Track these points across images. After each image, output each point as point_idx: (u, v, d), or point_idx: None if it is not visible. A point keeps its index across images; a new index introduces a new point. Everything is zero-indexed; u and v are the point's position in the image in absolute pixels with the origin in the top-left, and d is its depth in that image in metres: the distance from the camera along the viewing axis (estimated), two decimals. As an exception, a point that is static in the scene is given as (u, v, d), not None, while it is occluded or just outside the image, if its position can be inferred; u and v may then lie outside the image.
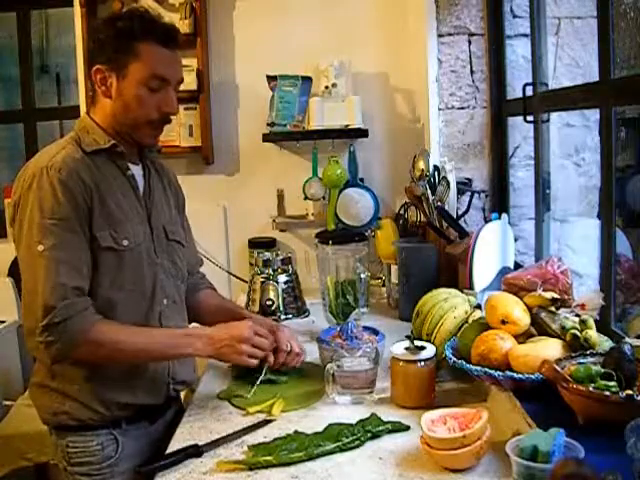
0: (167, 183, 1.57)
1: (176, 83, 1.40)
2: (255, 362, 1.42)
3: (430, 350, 1.39)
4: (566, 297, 1.38)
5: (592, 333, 1.23)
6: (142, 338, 1.35)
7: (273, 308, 2.07)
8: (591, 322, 1.26)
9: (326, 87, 2.43)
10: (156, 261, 1.43)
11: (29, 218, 1.28)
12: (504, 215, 1.83)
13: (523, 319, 1.33)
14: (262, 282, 2.14)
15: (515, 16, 2.21)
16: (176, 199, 1.60)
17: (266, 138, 2.48)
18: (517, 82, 2.16)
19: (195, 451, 1.20)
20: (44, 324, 1.23)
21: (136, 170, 1.44)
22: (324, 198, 2.52)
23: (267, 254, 2.23)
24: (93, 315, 1.28)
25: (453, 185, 2.13)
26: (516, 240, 1.99)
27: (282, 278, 2.15)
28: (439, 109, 2.32)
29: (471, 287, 1.72)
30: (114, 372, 1.37)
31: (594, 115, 2.00)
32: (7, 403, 2.47)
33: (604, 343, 1.24)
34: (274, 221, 2.62)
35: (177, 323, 1.50)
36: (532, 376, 1.17)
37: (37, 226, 1.26)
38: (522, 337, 1.32)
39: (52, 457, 1.44)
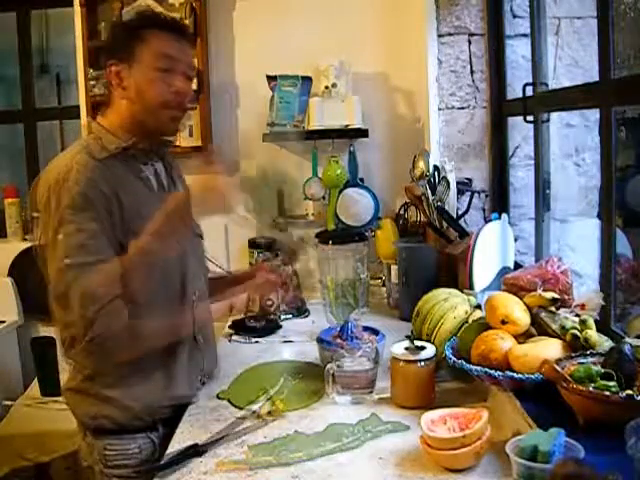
0: (177, 177, 1.56)
1: (187, 67, 1.40)
2: None
3: (430, 350, 1.39)
4: (566, 297, 1.38)
5: (592, 333, 1.23)
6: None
7: (273, 308, 2.07)
8: (591, 322, 1.26)
9: (326, 87, 2.42)
10: (182, 257, 1.43)
11: (53, 233, 1.26)
12: (504, 215, 1.83)
13: (523, 319, 1.33)
14: (262, 282, 2.14)
15: (515, 16, 2.21)
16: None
17: (266, 138, 2.48)
18: (517, 82, 2.15)
19: (197, 451, 1.20)
20: (85, 335, 1.22)
21: (148, 170, 1.44)
22: (324, 198, 2.52)
23: (267, 254, 2.23)
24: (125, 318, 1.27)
25: (453, 185, 2.13)
26: (516, 240, 1.99)
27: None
28: (439, 109, 2.33)
29: (471, 287, 1.72)
30: (153, 371, 1.38)
31: (594, 115, 2.00)
32: (7, 403, 2.47)
33: (604, 343, 1.23)
34: (274, 221, 2.62)
35: (205, 316, 1.52)
36: (532, 376, 1.17)
37: (61, 241, 1.25)
38: (522, 337, 1.32)
39: (85, 459, 1.44)
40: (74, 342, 1.27)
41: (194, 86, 2.45)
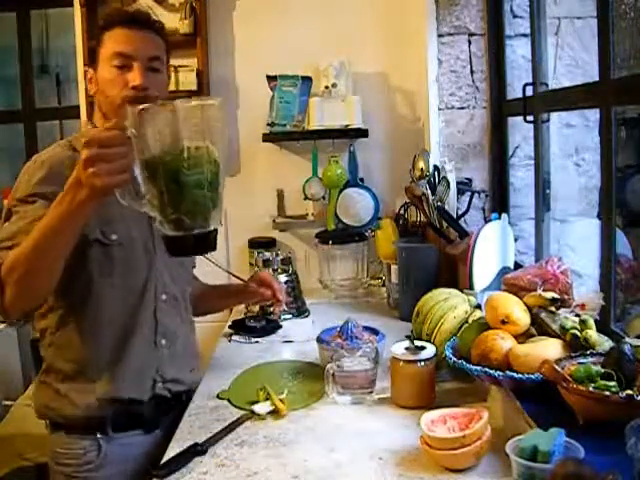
0: None
1: (146, 59, 1.39)
2: (124, 177, 1.03)
3: (430, 350, 1.39)
4: (566, 297, 1.38)
5: (592, 333, 1.23)
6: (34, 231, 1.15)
7: (273, 308, 2.08)
8: (591, 322, 1.26)
9: (326, 87, 2.42)
10: (154, 256, 1.44)
11: (2, 222, 1.31)
12: (504, 215, 1.82)
13: (523, 319, 1.33)
14: (262, 282, 2.14)
15: (515, 16, 2.21)
16: None
17: (266, 138, 2.48)
18: (517, 82, 2.16)
19: (197, 451, 1.20)
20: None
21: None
22: (324, 198, 2.52)
23: (267, 254, 2.23)
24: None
25: (453, 185, 2.13)
26: (516, 240, 1.99)
27: (282, 278, 2.15)
28: (439, 109, 2.33)
29: (471, 287, 1.72)
30: (100, 371, 1.39)
31: (594, 115, 2.00)
32: (7, 403, 2.47)
33: (604, 343, 1.23)
34: (274, 221, 2.62)
35: (174, 322, 1.50)
36: (532, 376, 1.17)
37: (5, 228, 1.28)
38: (522, 337, 1.32)
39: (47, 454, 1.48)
40: (42, 335, 1.39)
41: (194, 86, 2.48)
